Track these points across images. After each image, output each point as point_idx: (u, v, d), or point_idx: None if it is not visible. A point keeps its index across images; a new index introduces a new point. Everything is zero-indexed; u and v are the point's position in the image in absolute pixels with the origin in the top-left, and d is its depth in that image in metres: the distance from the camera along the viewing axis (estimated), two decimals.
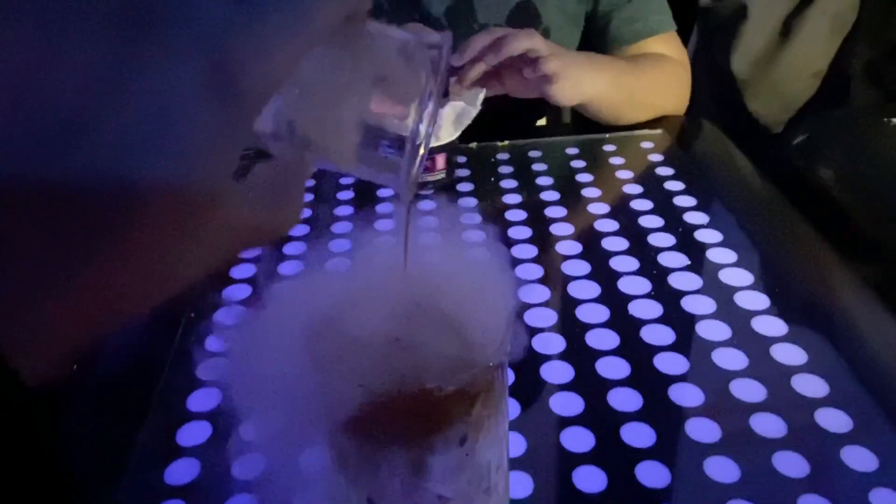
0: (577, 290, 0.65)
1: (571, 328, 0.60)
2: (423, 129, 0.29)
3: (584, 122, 0.97)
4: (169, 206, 0.20)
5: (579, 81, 0.85)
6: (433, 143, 0.80)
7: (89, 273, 0.20)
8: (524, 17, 0.98)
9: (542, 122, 1.15)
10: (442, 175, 0.83)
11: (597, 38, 1.01)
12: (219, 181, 0.21)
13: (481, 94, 0.82)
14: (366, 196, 0.83)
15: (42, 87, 0.18)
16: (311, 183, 0.86)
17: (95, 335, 0.22)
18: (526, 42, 0.81)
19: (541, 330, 0.60)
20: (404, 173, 0.29)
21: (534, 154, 0.91)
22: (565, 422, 0.51)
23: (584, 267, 0.68)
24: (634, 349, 0.57)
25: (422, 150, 0.30)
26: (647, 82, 0.94)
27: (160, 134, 0.20)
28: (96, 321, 0.21)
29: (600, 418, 0.51)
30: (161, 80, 0.19)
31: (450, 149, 0.82)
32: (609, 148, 0.92)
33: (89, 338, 0.22)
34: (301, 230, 0.77)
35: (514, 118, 1.01)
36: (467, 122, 0.81)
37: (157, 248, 0.21)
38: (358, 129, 0.28)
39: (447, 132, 0.80)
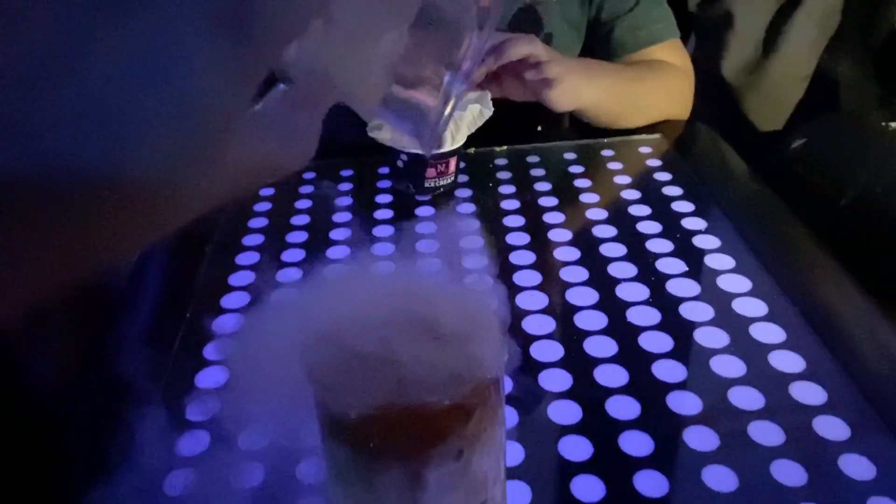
0: (575, 296, 0.65)
1: (569, 335, 0.60)
2: (459, 81, 0.28)
3: (582, 127, 0.97)
4: (167, 147, 0.19)
5: (577, 88, 0.86)
6: (451, 147, 0.80)
7: (80, 213, 0.19)
8: (527, 22, 0.98)
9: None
10: (452, 178, 0.83)
11: (599, 46, 1.01)
12: (228, 120, 0.20)
13: (489, 95, 0.83)
14: (365, 203, 0.83)
15: (18, 25, 0.17)
16: (309, 189, 0.86)
17: (97, 272, 0.21)
18: (526, 47, 0.82)
19: (538, 337, 0.60)
20: (432, 123, 0.28)
21: (532, 159, 0.91)
22: (563, 430, 0.51)
23: (582, 273, 0.68)
24: (633, 356, 0.57)
25: (449, 108, 0.28)
26: (645, 89, 0.94)
27: (157, 73, 0.18)
28: (96, 260, 0.21)
29: (598, 427, 0.51)
30: (161, 18, 0.18)
31: (460, 152, 0.82)
32: (607, 153, 0.92)
33: (89, 275, 0.21)
34: (299, 236, 0.77)
35: (514, 123, 1.01)
36: (481, 122, 0.81)
37: (154, 186, 0.19)
38: (387, 71, 0.26)
39: (463, 134, 0.81)
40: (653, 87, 0.95)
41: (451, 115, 0.28)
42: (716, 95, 1.24)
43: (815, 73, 1.20)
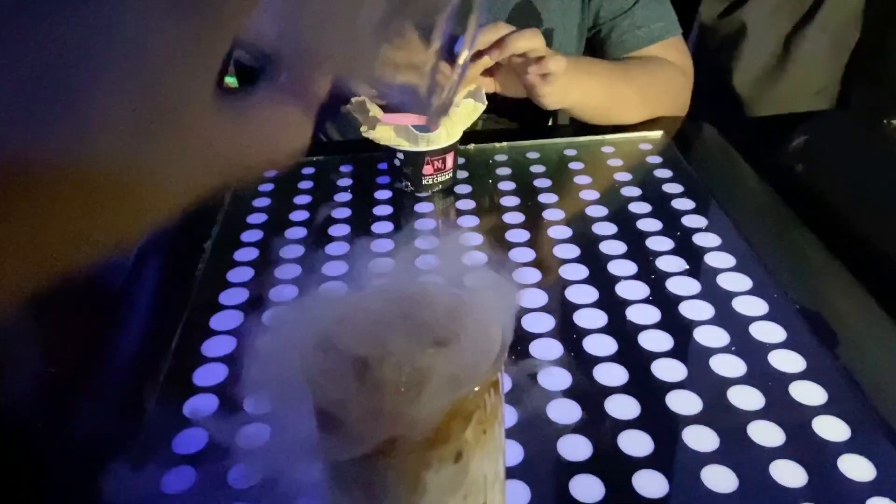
0: (574, 294, 0.65)
1: (569, 334, 0.60)
2: (467, 43, 0.25)
3: (583, 123, 0.97)
4: (122, 131, 0.17)
5: (566, 86, 0.86)
6: (446, 143, 0.79)
7: (43, 199, 0.17)
8: (524, 17, 0.97)
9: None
10: (451, 174, 0.83)
11: (600, 44, 1.01)
12: (190, 101, 0.19)
13: (482, 90, 0.82)
14: (364, 199, 0.83)
15: None
16: (308, 185, 0.86)
17: (84, 264, 0.19)
18: (529, 41, 0.82)
19: (538, 335, 0.59)
20: (445, 92, 0.25)
21: (532, 155, 0.91)
22: (562, 430, 0.51)
23: (581, 271, 0.68)
24: (632, 355, 0.57)
25: (458, 73, 0.26)
26: (635, 87, 0.94)
27: (109, 51, 0.17)
28: (76, 252, 0.19)
29: (598, 426, 0.51)
30: None
31: (457, 148, 0.82)
32: (608, 150, 0.91)
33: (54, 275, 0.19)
34: (298, 232, 0.76)
35: (524, 116, 1.01)
36: (475, 117, 0.81)
37: (108, 180, 0.18)
38: (375, 37, 0.23)
39: (458, 130, 0.80)
40: (644, 85, 0.95)
41: (461, 79, 0.26)
42: (727, 107, 1.24)
43: (836, 91, 1.20)
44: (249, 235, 0.76)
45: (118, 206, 0.19)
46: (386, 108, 0.81)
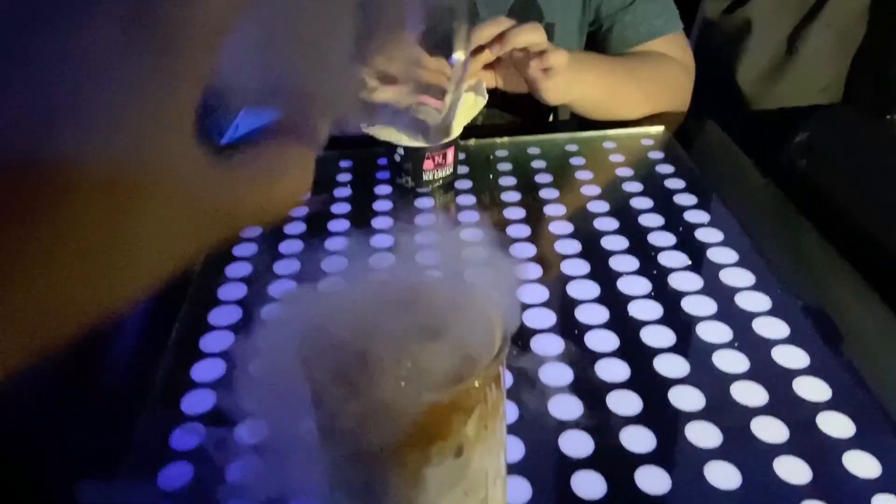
0: (576, 290, 0.64)
1: (570, 329, 0.59)
2: (465, 67, 0.25)
3: (585, 118, 0.96)
4: (98, 187, 0.17)
5: (569, 82, 0.85)
6: (447, 138, 0.79)
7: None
8: (525, 12, 0.97)
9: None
10: (451, 170, 0.82)
11: (601, 40, 1.00)
12: (168, 153, 0.18)
13: (483, 84, 0.82)
14: (364, 194, 0.82)
15: None
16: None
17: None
18: (531, 35, 0.81)
19: (539, 331, 0.59)
20: (445, 113, 0.25)
21: (533, 151, 0.90)
22: (564, 426, 0.50)
23: (583, 266, 0.67)
24: (634, 351, 0.57)
25: (454, 86, 0.25)
26: (636, 83, 0.94)
27: (82, 102, 0.16)
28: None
29: (599, 422, 0.50)
30: (81, 39, 0.16)
31: (458, 143, 0.81)
32: (609, 145, 0.91)
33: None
34: (297, 228, 0.76)
35: (521, 113, 1.00)
36: (476, 112, 0.80)
37: (89, 239, 0.17)
38: (359, 59, 0.23)
39: (459, 125, 0.80)
40: (645, 81, 0.94)
41: (460, 96, 0.26)
42: (730, 103, 1.23)
43: (841, 90, 1.19)
44: (248, 231, 0.76)
45: (111, 227, 0.18)
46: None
